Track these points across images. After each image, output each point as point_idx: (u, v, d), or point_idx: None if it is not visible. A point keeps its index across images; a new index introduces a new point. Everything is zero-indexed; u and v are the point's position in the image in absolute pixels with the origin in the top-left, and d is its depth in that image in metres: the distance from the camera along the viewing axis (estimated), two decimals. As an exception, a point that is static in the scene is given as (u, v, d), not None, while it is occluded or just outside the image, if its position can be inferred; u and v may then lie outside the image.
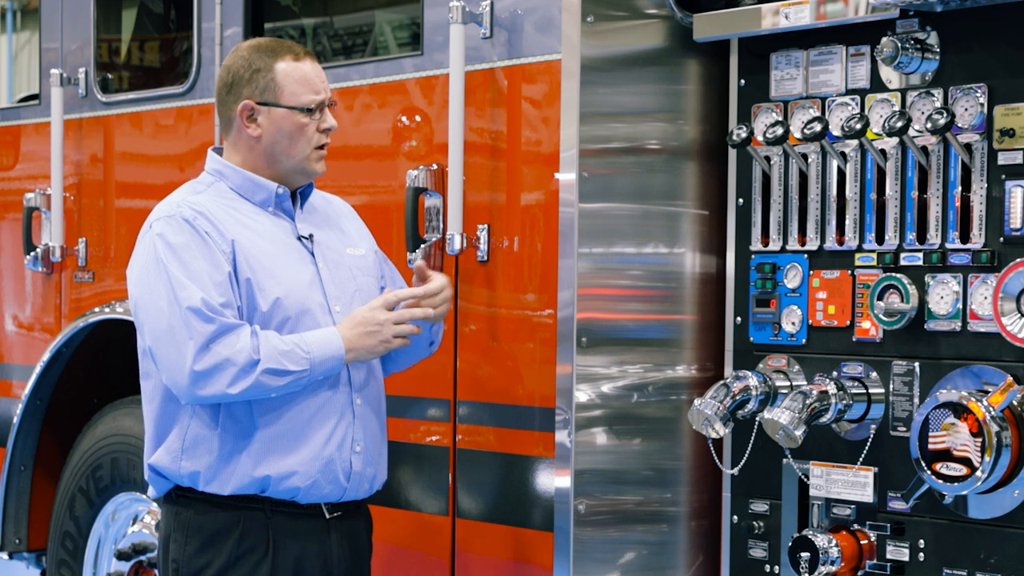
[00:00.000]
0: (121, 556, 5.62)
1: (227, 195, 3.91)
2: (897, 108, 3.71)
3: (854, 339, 3.79)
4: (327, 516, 3.90)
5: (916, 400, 3.67)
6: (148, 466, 3.93)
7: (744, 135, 3.92)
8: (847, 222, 3.82)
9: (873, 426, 3.75)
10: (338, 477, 3.87)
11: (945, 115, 3.56)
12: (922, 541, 3.67)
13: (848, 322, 3.80)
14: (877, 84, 3.77)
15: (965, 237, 3.61)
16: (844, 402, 3.72)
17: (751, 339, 3.98)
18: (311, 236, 3.93)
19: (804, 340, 3.89)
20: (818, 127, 3.78)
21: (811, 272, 3.88)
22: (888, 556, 3.73)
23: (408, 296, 3.89)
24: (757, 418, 3.82)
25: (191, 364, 3.68)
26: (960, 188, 3.62)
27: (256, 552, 3.85)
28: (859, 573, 3.76)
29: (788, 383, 3.89)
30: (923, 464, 3.53)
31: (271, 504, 3.85)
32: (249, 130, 3.89)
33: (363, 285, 3.98)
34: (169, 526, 3.92)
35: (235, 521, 3.84)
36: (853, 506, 3.78)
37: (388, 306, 3.85)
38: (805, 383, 3.84)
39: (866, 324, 3.76)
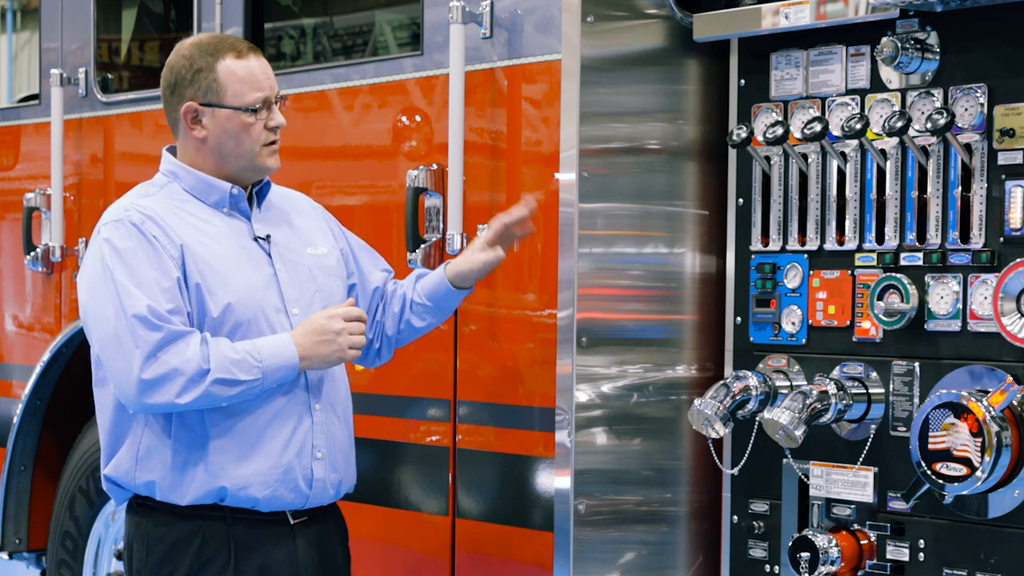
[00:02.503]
0: (121, 556, 5.62)
1: (180, 197, 3.83)
2: (897, 108, 3.71)
3: (854, 339, 3.79)
4: (291, 522, 3.83)
5: (916, 400, 3.67)
6: (104, 477, 3.85)
7: (744, 135, 3.92)
8: (847, 222, 3.82)
9: (873, 426, 3.74)
10: (299, 485, 3.79)
11: (945, 115, 3.55)
12: (922, 541, 3.67)
13: (848, 322, 3.80)
14: (877, 84, 3.76)
15: (965, 237, 3.61)
16: (844, 402, 3.72)
17: (751, 339, 3.98)
18: (268, 236, 3.85)
19: (804, 340, 3.89)
20: (818, 127, 3.77)
21: (811, 272, 3.87)
22: (888, 556, 3.72)
23: (361, 317, 3.83)
24: (757, 418, 3.82)
25: (138, 373, 3.60)
26: (960, 188, 3.62)
27: (217, 561, 3.77)
28: (859, 573, 3.76)
29: (788, 383, 3.88)
30: (923, 464, 3.52)
31: (231, 512, 3.77)
32: (194, 132, 3.81)
33: (323, 286, 3.89)
34: (131, 536, 3.86)
35: (195, 531, 3.77)
36: (853, 506, 3.78)
37: (348, 318, 3.77)
38: (805, 383, 3.84)
39: (866, 324, 3.76)
